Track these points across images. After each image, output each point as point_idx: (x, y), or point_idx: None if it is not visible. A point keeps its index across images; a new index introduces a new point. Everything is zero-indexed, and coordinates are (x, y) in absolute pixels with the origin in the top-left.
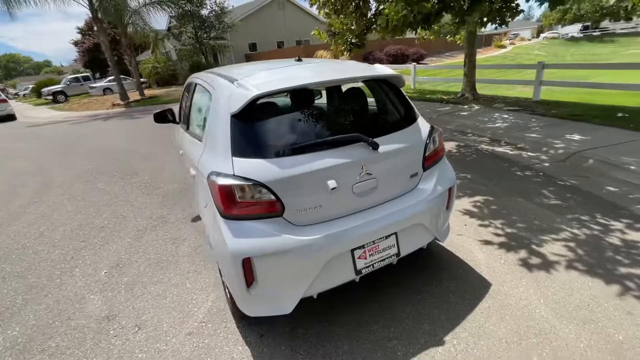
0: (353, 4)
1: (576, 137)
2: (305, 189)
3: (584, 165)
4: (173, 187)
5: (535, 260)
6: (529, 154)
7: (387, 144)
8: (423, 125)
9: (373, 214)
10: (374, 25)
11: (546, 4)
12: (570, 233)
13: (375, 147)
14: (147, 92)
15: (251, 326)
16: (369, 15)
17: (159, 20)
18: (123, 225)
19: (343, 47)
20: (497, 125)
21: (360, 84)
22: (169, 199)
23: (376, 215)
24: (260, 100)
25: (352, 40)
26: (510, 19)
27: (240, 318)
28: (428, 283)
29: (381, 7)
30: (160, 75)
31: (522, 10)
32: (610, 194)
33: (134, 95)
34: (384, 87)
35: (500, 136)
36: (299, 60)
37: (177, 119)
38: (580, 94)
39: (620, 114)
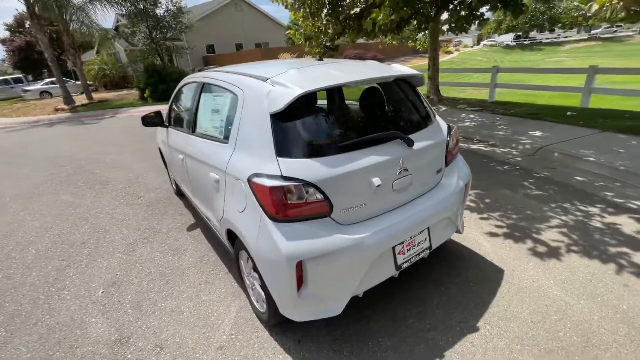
0: (327, 8)
1: (538, 133)
2: (352, 188)
3: (551, 158)
4: (156, 196)
5: (536, 246)
6: (502, 149)
7: (419, 141)
8: (442, 122)
9: (409, 210)
10: (348, 29)
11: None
12: (559, 220)
13: (410, 144)
14: (96, 96)
15: (285, 333)
16: (343, 18)
17: (106, 18)
18: (108, 240)
19: (317, 50)
20: (467, 124)
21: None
22: (155, 208)
23: (412, 211)
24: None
25: (327, 44)
26: (478, 27)
27: (273, 326)
28: (448, 274)
29: (368, 11)
30: (109, 78)
31: (488, 19)
32: (579, 183)
33: (80, 99)
34: (403, 86)
35: (472, 134)
36: (320, 59)
37: (166, 122)
38: (521, 95)
39: (569, 113)
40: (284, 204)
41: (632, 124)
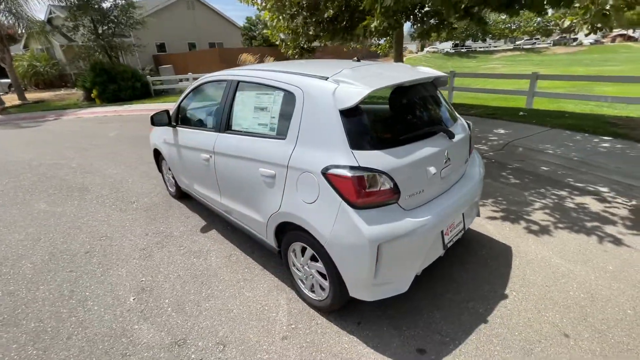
0: (304, 11)
1: (501, 130)
2: (414, 176)
3: (517, 152)
4: (151, 200)
5: (530, 225)
6: (475, 145)
7: (456, 134)
8: (463, 119)
9: (452, 196)
10: (324, 32)
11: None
12: (540, 203)
13: (451, 136)
14: (29, 96)
15: (343, 317)
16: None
17: (37, 9)
18: (116, 247)
19: (294, 51)
20: None
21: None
22: (155, 212)
23: (455, 196)
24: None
25: (304, 46)
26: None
27: (332, 312)
28: (467, 254)
29: (352, 16)
30: (42, 76)
31: (456, 27)
32: (546, 172)
33: (10, 100)
34: (429, 87)
35: None
36: (358, 61)
37: (173, 121)
38: (471, 98)
39: (521, 113)
40: (363, 192)
41: (573, 122)
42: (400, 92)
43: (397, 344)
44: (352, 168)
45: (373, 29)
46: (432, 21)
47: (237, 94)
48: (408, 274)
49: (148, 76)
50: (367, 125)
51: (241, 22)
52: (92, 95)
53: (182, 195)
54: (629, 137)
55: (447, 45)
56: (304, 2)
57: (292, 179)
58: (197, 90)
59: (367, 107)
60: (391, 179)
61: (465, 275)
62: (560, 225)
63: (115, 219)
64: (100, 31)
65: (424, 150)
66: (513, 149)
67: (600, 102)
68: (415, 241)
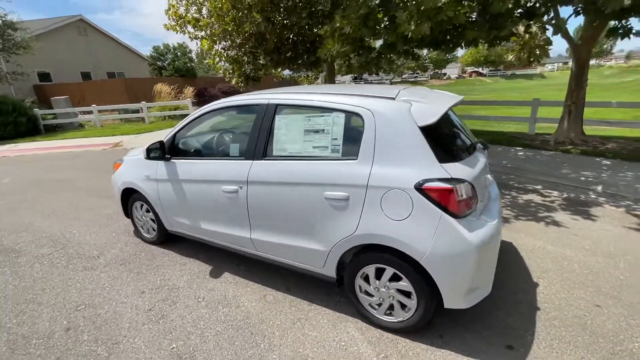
0: (251, 41)
1: None
2: (480, 183)
3: None
4: (121, 251)
5: (511, 222)
6: None
7: (483, 150)
8: None
9: (491, 204)
10: (270, 62)
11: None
12: (505, 201)
13: (486, 147)
14: None
15: (422, 335)
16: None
17: None
18: (109, 316)
19: (240, 80)
20: None
21: None
22: (138, 264)
23: (493, 204)
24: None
25: (252, 75)
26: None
27: (408, 332)
28: None
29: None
30: None
31: (419, 56)
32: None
33: None
34: None
35: None
36: (391, 84)
37: (167, 153)
38: None
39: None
40: (463, 202)
41: (489, 137)
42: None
43: (485, 346)
44: (448, 180)
45: (335, 53)
46: (373, 55)
47: (277, 117)
48: (491, 275)
49: (36, 109)
50: (444, 140)
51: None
52: None
53: (166, 240)
54: (532, 146)
55: (348, 78)
56: (252, 31)
57: (374, 198)
58: (202, 117)
59: (441, 124)
60: (473, 187)
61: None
62: (531, 217)
63: (86, 281)
64: None
65: (480, 160)
66: None
67: (491, 121)
68: (497, 243)
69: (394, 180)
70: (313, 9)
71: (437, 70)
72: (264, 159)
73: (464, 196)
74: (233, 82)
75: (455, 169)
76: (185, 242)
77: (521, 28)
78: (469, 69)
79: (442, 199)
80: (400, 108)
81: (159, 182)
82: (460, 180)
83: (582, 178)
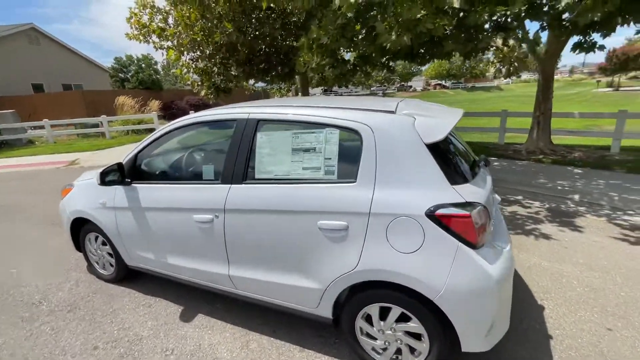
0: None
1: None
2: (490, 204)
3: None
4: (74, 294)
5: None
6: None
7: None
8: None
9: (499, 225)
10: (243, 74)
11: None
12: None
13: (488, 164)
14: None
15: None
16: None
17: None
18: None
19: (210, 91)
20: None
21: None
22: (92, 310)
23: (502, 225)
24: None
25: (222, 85)
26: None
27: None
28: None
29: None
30: None
31: (394, 69)
32: None
33: None
34: None
35: None
36: (384, 96)
37: (128, 177)
38: None
39: None
40: (481, 229)
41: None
42: None
43: None
44: (463, 205)
45: (314, 65)
46: (349, 67)
47: (259, 135)
48: (508, 309)
49: None
50: (451, 158)
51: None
52: None
53: (126, 276)
54: (506, 156)
55: (318, 90)
56: (222, 42)
57: (377, 228)
58: (170, 134)
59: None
60: (487, 210)
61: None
62: (518, 230)
63: (21, 339)
64: None
65: (487, 179)
66: None
67: (459, 132)
68: (512, 273)
69: (402, 206)
70: (286, 21)
71: (403, 83)
72: (244, 183)
73: (480, 222)
74: (202, 93)
75: (468, 191)
76: (150, 278)
77: (499, 41)
78: (433, 82)
79: (459, 227)
80: (403, 123)
81: (117, 210)
82: (474, 205)
83: (559, 187)
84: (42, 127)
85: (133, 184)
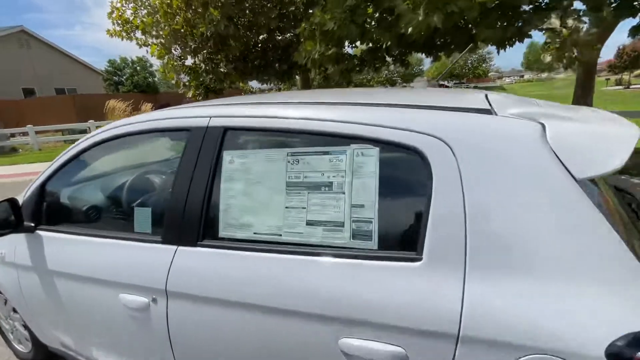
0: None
1: None
2: None
3: None
4: None
5: None
6: None
7: None
8: None
9: None
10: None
11: None
12: None
13: None
14: None
15: None
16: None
17: None
18: None
19: (198, 92)
20: None
21: None
22: None
23: None
24: None
25: (211, 85)
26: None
27: None
28: None
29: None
30: None
31: (409, 63)
32: None
33: None
34: None
35: None
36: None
37: (29, 220)
38: None
39: None
40: None
41: None
42: None
43: None
44: None
45: (316, 56)
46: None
47: (226, 155)
48: None
49: None
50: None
51: (101, 66)
52: None
53: (49, 357)
54: None
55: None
56: (209, 33)
57: None
58: (89, 152)
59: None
60: None
61: None
62: None
63: None
64: None
65: None
66: None
67: None
68: None
69: (544, 328)
70: (284, 11)
71: (404, 85)
72: (199, 246)
73: None
74: (189, 94)
75: None
76: None
77: (556, 21)
78: (433, 81)
79: None
80: (519, 133)
81: (19, 269)
82: None
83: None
84: (24, 135)
85: (38, 231)
